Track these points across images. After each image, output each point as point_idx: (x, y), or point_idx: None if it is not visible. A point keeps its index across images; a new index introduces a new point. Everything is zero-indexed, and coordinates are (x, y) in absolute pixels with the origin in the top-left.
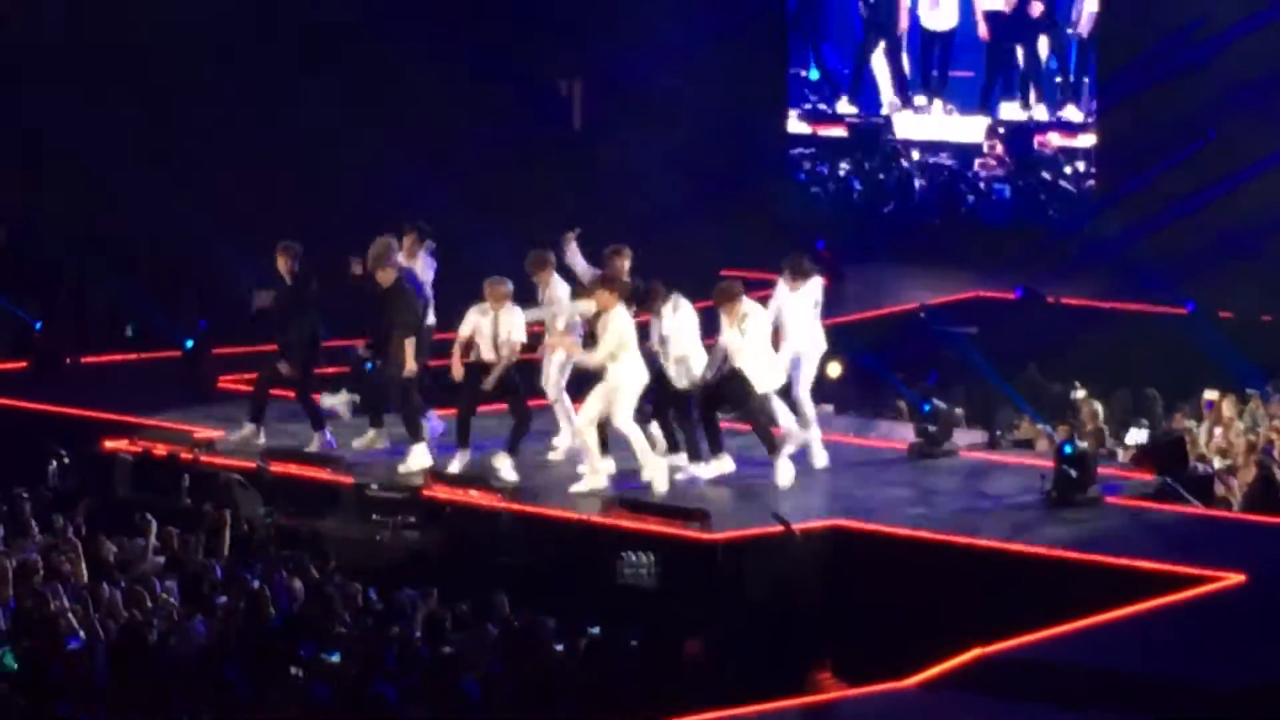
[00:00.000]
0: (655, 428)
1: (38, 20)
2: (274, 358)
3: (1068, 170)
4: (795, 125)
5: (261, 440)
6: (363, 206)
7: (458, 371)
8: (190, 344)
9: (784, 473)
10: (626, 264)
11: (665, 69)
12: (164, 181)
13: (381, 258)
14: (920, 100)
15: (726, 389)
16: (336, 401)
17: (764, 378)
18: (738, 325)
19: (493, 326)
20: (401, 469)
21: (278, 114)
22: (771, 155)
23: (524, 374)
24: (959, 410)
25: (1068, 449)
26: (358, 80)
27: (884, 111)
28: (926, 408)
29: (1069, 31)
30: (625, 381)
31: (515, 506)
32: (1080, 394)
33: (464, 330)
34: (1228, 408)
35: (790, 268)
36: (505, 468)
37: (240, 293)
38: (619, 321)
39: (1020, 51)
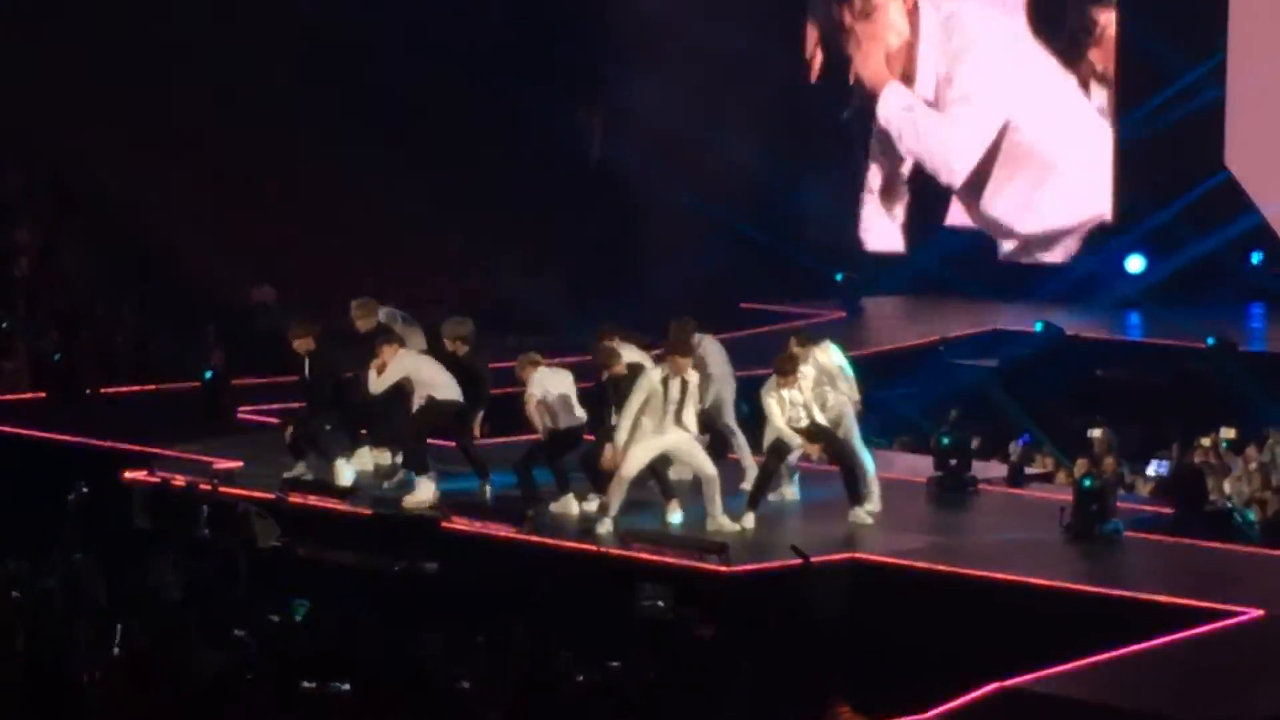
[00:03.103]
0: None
1: (62, 56)
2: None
3: None
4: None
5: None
6: (373, 239)
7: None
8: (209, 375)
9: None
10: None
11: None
12: (183, 213)
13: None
14: None
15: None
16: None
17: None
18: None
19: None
20: (409, 500)
21: (285, 146)
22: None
23: None
24: (977, 444)
25: (1086, 483)
26: (370, 107)
27: None
28: (945, 441)
29: None
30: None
31: (533, 539)
32: (1098, 431)
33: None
34: (1251, 451)
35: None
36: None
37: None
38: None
39: None
